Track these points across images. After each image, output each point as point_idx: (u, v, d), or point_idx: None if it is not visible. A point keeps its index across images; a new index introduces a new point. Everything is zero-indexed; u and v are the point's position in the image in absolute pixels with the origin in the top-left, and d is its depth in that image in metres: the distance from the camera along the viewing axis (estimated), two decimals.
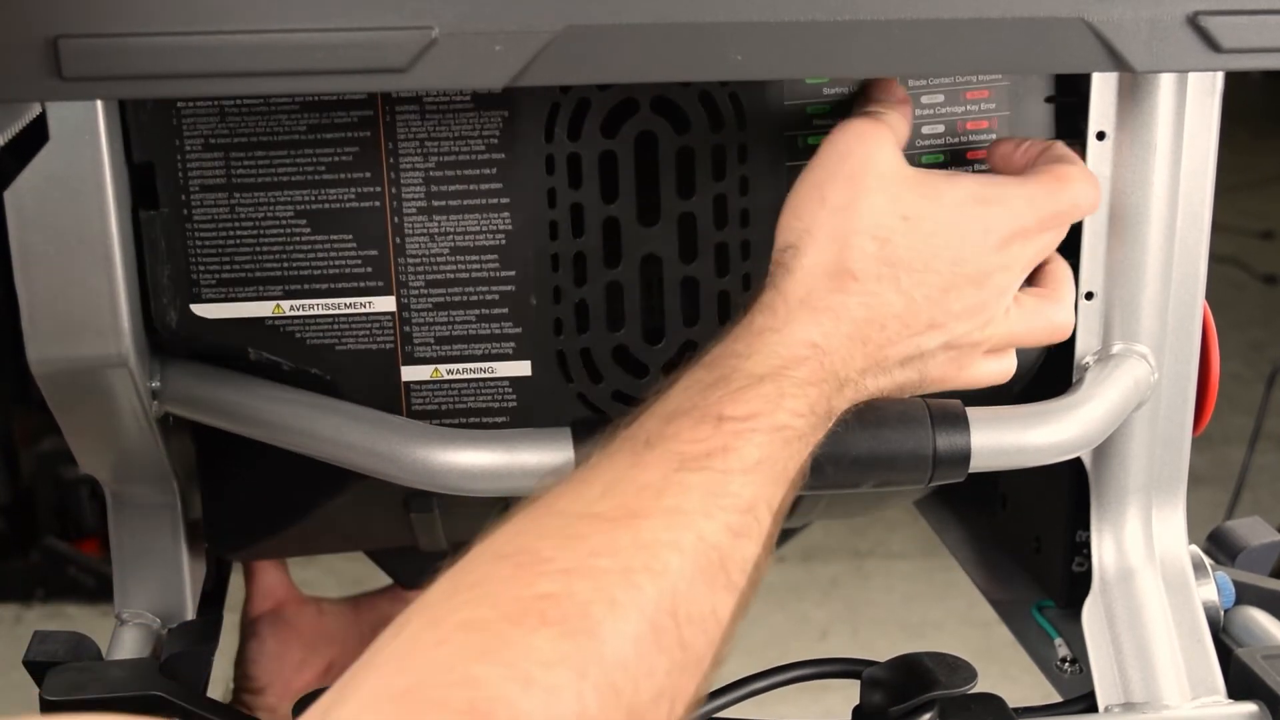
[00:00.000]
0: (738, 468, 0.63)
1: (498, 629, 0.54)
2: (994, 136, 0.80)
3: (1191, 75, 0.78)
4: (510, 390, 0.80)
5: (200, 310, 0.78)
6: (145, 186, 0.76)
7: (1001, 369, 0.77)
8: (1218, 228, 0.80)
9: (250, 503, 0.88)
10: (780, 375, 0.67)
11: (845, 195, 0.72)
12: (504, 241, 0.78)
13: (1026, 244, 0.74)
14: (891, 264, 0.71)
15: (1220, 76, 0.79)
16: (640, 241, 0.79)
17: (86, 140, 0.72)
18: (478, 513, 0.79)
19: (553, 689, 0.53)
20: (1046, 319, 0.76)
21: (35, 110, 0.71)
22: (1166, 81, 0.78)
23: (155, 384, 0.80)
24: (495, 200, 0.77)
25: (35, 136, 0.71)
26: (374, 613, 1.08)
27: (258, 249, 0.77)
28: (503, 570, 0.57)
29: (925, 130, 0.79)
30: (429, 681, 0.52)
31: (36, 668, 0.77)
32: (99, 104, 0.71)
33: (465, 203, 0.77)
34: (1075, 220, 0.76)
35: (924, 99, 0.79)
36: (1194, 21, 0.66)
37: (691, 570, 0.59)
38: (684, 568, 0.59)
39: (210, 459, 0.87)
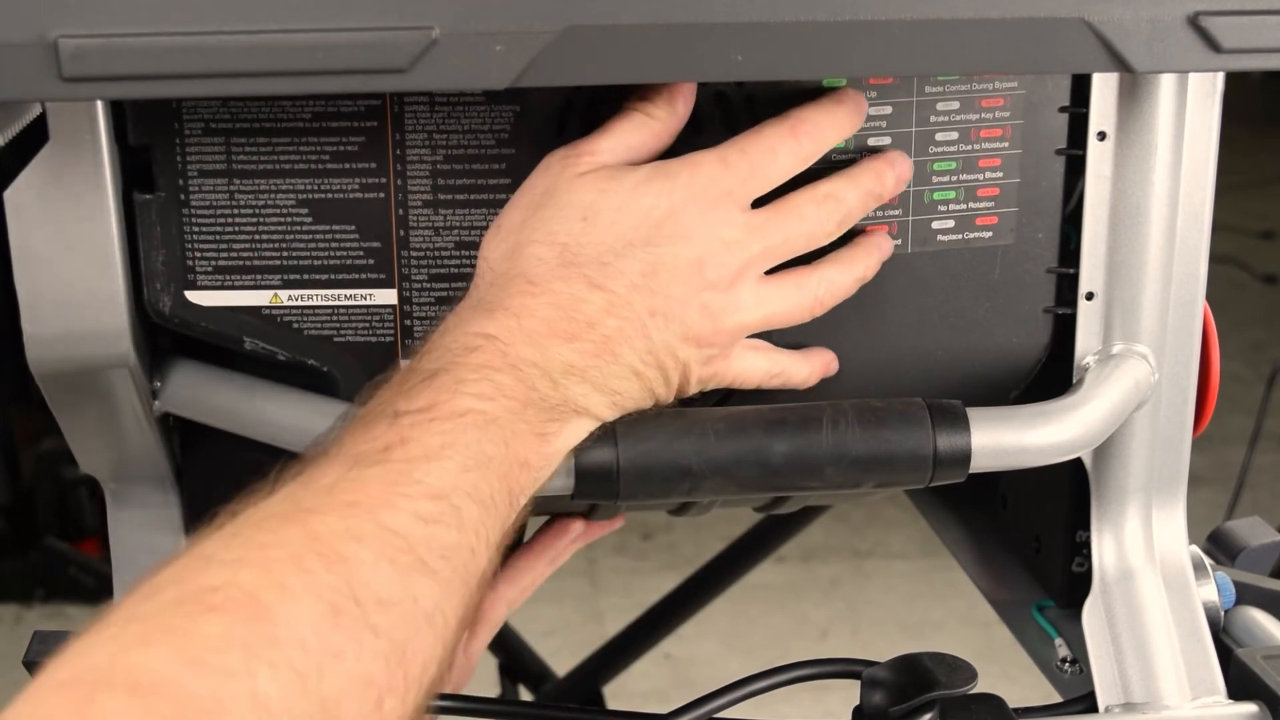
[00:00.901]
0: (419, 455, 0.62)
1: (160, 620, 0.53)
2: (1007, 144, 0.80)
3: (1192, 75, 0.78)
4: None
5: (195, 297, 0.77)
6: (141, 170, 0.76)
7: (767, 366, 0.76)
8: (1218, 228, 0.80)
9: (234, 488, 0.88)
10: (453, 365, 0.66)
11: (519, 217, 0.72)
12: None
13: (743, 214, 0.72)
14: (575, 264, 0.70)
15: (1221, 77, 0.79)
16: None
17: (87, 140, 0.71)
18: None
19: (223, 670, 0.51)
20: (809, 293, 0.75)
21: (35, 110, 0.71)
22: (1167, 82, 0.77)
23: (155, 384, 0.79)
24: (503, 196, 0.77)
25: (35, 136, 0.71)
26: None
27: (256, 237, 0.77)
28: (168, 573, 0.56)
29: (939, 137, 0.79)
30: (90, 669, 0.51)
31: (36, 668, 0.77)
32: (99, 104, 0.71)
33: (472, 197, 0.77)
34: (786, 177, 0.74)
35: (939, 105, 0.79)
36: (1194, 22, 0.66)
37: (372, 556, 0.57)
38: (362, 554, 0.57)
39: (193, 441, 0.86)
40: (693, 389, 0.75)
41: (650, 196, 0.71)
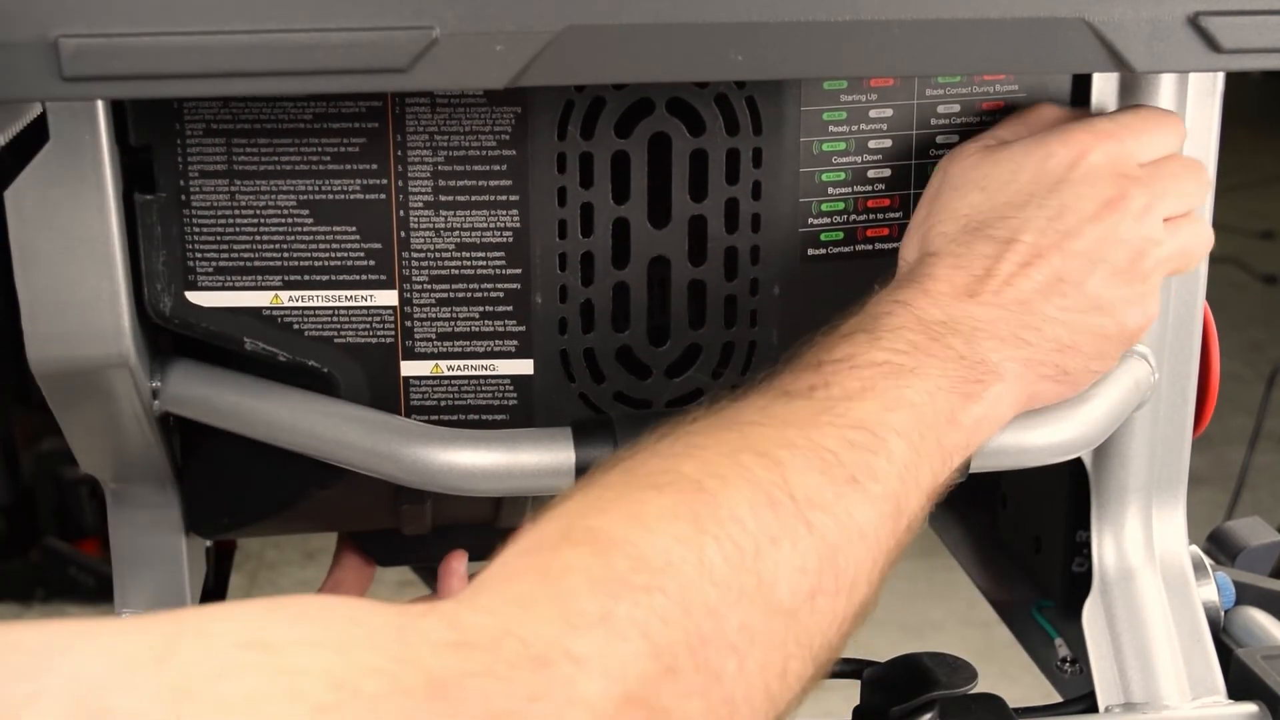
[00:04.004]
0: (840, 395, 0.64)
1: (613, 493, 0.57)
2: None
3: (1192, 76, 0.78)
4: (511, 388, 0.80)
5: (195, 298, 0.77)
6: (142, 170, 0.75)
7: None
8: (1218, 228, 0.80)
9: (234, 487, 0.88)
10: (869, 326, 0.68)
11: (923, 213, 0.74)
12: (511, 239, 0.78)
13: (1136, 169, 0.72)
14: (977, 229, 0.71)
15: (1221, 77, 0.79)
16: (649, 243, 0.79)
17: (87, 140, 0.71)
18: (466, 498, 0.79)
19: (673, 535, 0.54)
20: (1204, 223, 0.76)
21: (35, 110, 0.71)
22: (1167, 82, 0.78)
23: (155, 384, 0.79)
24: (504, 197, 0.77)
25: (35, 136, 0.71)
26: None
27: (257, 237, 0.77)
28: (615, 467, 0.60)
29: (940, 140, 0.79)
30: (550, 533, 0.54)
31: None
32: (99, 104, 0.71)
33: (473, 198, 0.77)
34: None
35: (939, 109, 0.79)
36: (1194, 21, 0.66)
37: (804, 463, 0.59)
38: (796, 460, 0.59)
39: (193, 441, 0.86)
40: (1134, 337, 0.73)
41: (1047, 146, 0.72)
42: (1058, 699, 0.88)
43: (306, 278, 0.77)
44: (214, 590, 0.95)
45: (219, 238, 0.76)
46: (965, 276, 0.70)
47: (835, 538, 0.58)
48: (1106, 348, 0.73)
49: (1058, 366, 0.71)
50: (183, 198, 0.76)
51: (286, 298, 0.78)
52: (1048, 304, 0.70)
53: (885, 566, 0.62)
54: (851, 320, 0.69)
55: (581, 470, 0.74)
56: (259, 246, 0.77)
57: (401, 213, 0.77)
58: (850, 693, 0.78)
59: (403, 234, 0.77)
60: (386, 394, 0.79)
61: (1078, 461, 0.85)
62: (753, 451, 0.59)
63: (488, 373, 0.79)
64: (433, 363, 0.79)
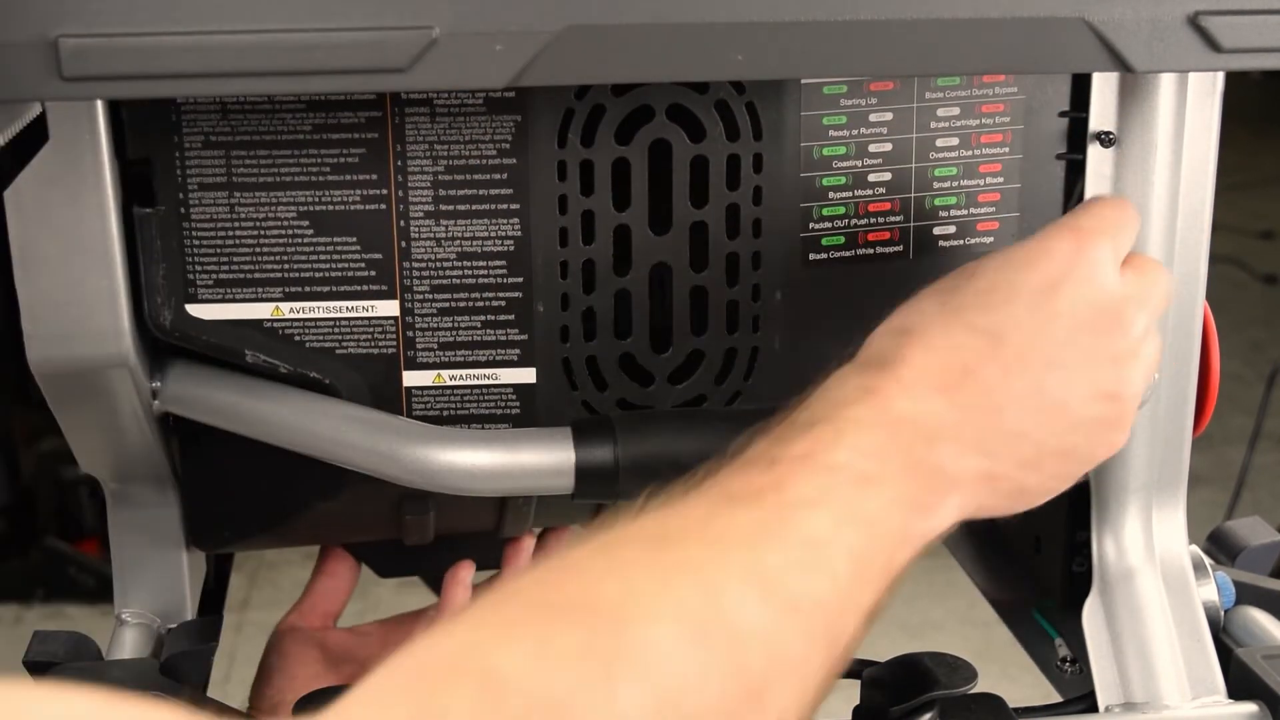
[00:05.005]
0: (793, 501, 0.57)
1: (518, 614, 0.51)
2: (1008, 150, 0.80)
3: (1192, 75, 0.78)
4: (514, 397, 0.80)
5: (196, 311, 0.77)
6: (141, 183, 0.75)
7: None
8: (1218, 228, 0.80)
9: (236, 499, 0.88)
10: (833, 416, 0.61)
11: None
12: (512, 248, 0.77)
13: (1112, 249, 0.68)
14: (956, 309, 0.65)
15: (1220, 76, 0.79)
16: (651, 249, 0.79)
17: (86, 140, 0.71)
18: (468, 507, 0.79)
19: (581, 678, 0.48)
20: (1159, 347, 0.71)
21: (35, 110, 0.71)
22: (1167, 81, 0.78)
23: (155, 384, 0.79)
24: (505, 206, 0.77)
25: (35, 136, 0.71)
26: (403, 634, 1.00)
27: (257, 250, 0.76)
28: (532, 577, 0.55)
29: (940, 143, 0.79)
30: (439, 658, 0.49)
31: (36, 668, 0.77)
32: (99, 104, 0.71)
33: (474, 208, 0.77)
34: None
35: (939, 111, 0.79)
36: (1194, 21, 0.66)
37: (742, 587, 0.54)
38: (732, 584, 0.54)
39: (194, 453, 0.86)
40: (1098, 461, 0.68)
41: (1040, 240, 0.66)
42: (1058, 699, 0.88)
43: (307, 289, 0.77)
44: (214, 590, 0.95)
45: (219, 250, 0.76)
46: (939, 367, 0.64)
47: (766, 673, 0.53)
48: (1070, 469, 0.67)
49: (1016, 483, 0.65)
50: (182, 211, 0.75)
51: (287, 309, 0.77)
52: (1022, 417, 0.64)
53: (817, 697, 0.56)
54: (813, 404, 0.63)
55: (582, 470, 0.74)
56: (259, 258, 0.76)
57: (402, 223, 0.76)
58: (850, 693, 0.78)
59: (403, 244, 0.77)
60: (389, 404, 0.79)
61: None
62: (687, 573, 0.53)
63: (490, 382, 0.79)
64: (435, 373, 0.79)
